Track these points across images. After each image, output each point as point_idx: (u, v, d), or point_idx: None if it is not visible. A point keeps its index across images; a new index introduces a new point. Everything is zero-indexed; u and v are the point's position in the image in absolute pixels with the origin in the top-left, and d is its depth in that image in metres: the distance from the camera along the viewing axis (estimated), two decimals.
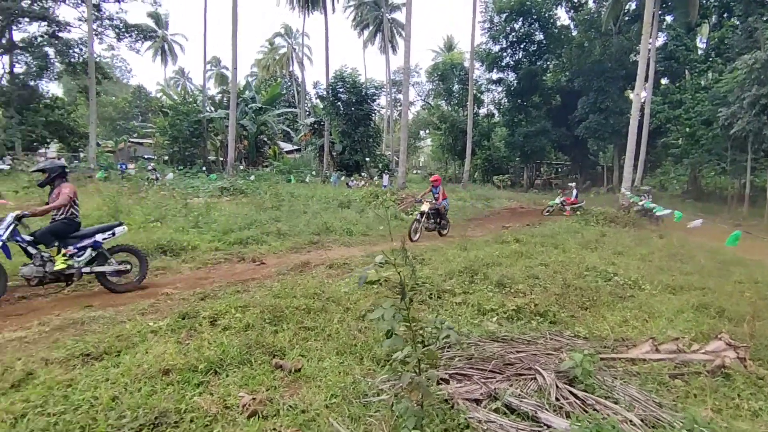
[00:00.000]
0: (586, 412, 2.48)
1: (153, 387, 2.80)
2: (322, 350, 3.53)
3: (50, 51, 25.51)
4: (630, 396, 2.73)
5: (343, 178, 28.63)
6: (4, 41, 23.62)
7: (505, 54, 33.60)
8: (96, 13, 25.56)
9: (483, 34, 32.93)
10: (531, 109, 34.03)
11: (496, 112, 39.55)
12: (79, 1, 26.05)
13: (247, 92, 35.25)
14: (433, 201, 10.16)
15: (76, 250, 5.05)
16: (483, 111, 40.00)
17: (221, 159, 33.90)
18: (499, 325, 4.33)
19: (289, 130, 40.05)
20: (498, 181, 32.65)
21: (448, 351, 3.44)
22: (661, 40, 26.51)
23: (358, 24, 44.88)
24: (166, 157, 32.32)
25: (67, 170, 5.47)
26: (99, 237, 5.24)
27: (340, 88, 29.27)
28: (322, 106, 34.45)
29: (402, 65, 30.26)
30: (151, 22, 45.20)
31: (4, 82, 25.07)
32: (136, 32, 29.34)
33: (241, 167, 27.40)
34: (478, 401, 2.62)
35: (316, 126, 36.60)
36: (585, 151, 34.62)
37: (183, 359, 3.12)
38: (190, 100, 33.31)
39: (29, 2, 24.58)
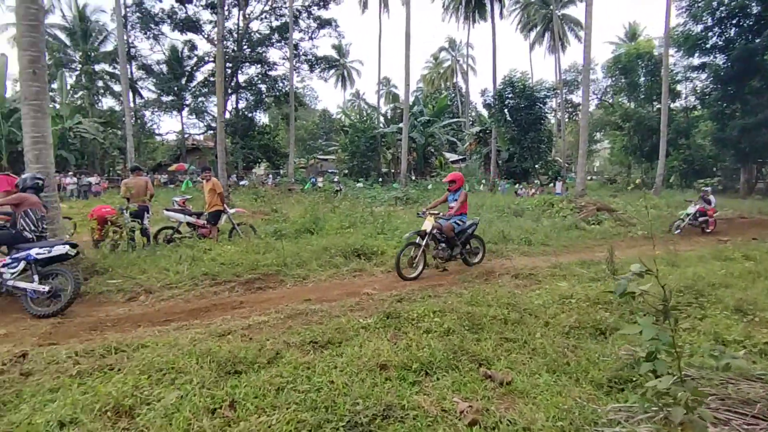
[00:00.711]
0: None
1: (374, 380, 3.00)
2: (529, 365, 3.34)
3: (263, 87, 31.08)
4: None
5: (509, 186, 27.63)
6: (233, 84, 29.72)
7: (710, 34, 27.85)
8: (295, 52, 30.22)
9: (679, 14, 28.00)
10: (749, 96, 27.29)
11: (698, 103, 32.98)
12: (283, 44, 31.20)
13: (416, 107, 37.04)
14: (442, 214, 7.04)
15: (10, 261, 4.85)
16: (679, 104, 33.86)
17: (393, 171, 36.23)
18: (751, 362, 3.46)
19: (454, 140, 40.57)
20: (703, 185, 27.00)
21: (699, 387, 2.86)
22: None
23: (525, 26, 43.09)
24: (346, 171, 36.12)
25: (40, 184, 5.46)
26: (33, 251, 4.84)
27: (509, 93, 28.39)
28: (487, 114, 33.97)
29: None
30: (334, 53, 51.48)
31: (231, 116, 31.58)
32: (323, 63, 33.69)
33: (412, 178, 28.81)
34: None
35: (481, 135, 36.24)
36: None
37: (396, 357, 3.29)
38: (365, 118, 36.59)
39: (249, 51, 30.47)
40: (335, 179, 26.67)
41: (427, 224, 6.74)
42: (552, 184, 28.10)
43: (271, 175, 31.61)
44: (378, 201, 18.89)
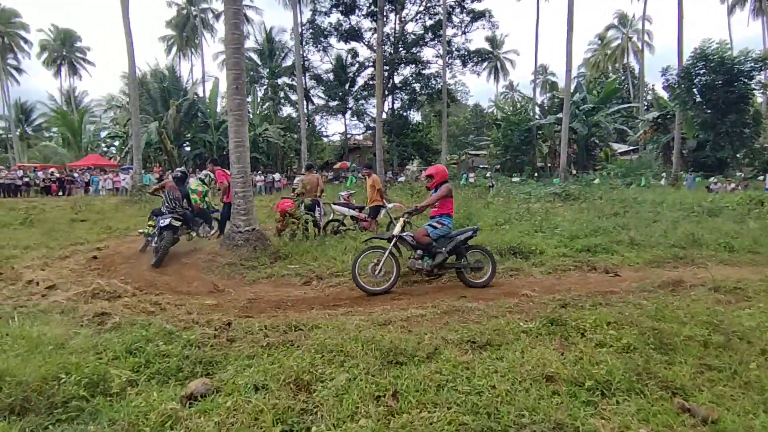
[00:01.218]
0: None
1: (539, 391, 2.76)
2: (741, 401, 2.68)
3: (417, 86, 32.03)
4: None
5: (698, 180, 23.13)
6: (389, 85, 31.34)
7: None
8: (447, 48, 30.33)
9: None
10: None
11: None
12: (436, 42, 31.61)
13: (577, 94, 33.69)
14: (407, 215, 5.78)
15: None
16: None
17: (549, 165, 33.74)
18: None
19: (624, 128, 35.72)
20: None
21: None
22: None
23: None
24: (498, 166, 34.94)
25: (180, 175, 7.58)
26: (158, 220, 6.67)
27: (700, 69, 23.71)
28: (669, 97, 29.00)
29: None
30: (487, 45, 50.13)
31: (387, 116, 33.37)
32: (476, 57, 33.04)
33: (573, 172, 26.37)
34: None
35: (659, 121, 31.24)
36: None
37: (565, 369, 2.98)
38: (519, 110, 34.77)
39: (404, 52, 31.68)
40: (488, 174, 26.01)
41: (398, 225, 5.71)
42: (763, 178, 22.55)
43: (423, 171, 32.49)
44: (533, 197, 17.74)
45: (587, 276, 6.36)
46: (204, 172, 8.16)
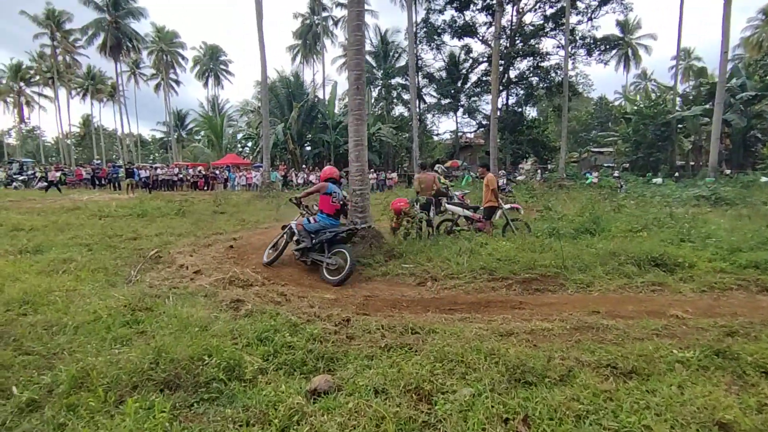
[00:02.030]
0: None
1: None
2: None
3: (534, 80, 30.16)
4: None
5: None
6: (504, 80, 30.01)
7: None
8: (570, 37, 27.97)
9: None
10: None
11: None
12: (558, 31, 29.39)
13: (734, 80, 28.56)
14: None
15: None
16: None
17: (693, 163, 29.31)
18: None
19: None
20: None
21: None
22: None
23: None
24: (626, 165, 31.31)
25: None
26: None
27: None
28: None
29: None
30: (617, 31, 45.22)
31: (501, 112, 32.03)
32: (604, 45, 29.96)
33: (725, 171, 22.45)
34: None
35: None
36: None
37: (746, 418, 2.41)
38: (654, 102, 30.62)
39: (521, 44, 30.05)
40: (615, 174, 23.41)
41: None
42: None
43: (539, 170, 30.49)
44: (674, 200, 15.44)
45: (757, 299, 5.23)
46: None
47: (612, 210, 10.57)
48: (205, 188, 26.90)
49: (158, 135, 64.25)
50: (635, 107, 33.05)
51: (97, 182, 25.39)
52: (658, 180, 20.69)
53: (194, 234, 9.19)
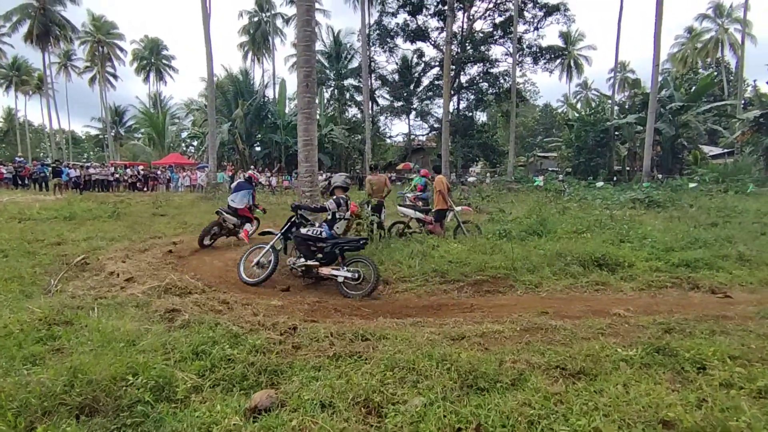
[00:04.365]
0: None
1: None
2: None
3: (484, 86, 31.04)
4: None
5: None
6: (455, 85, 30.65)
7: None
8: (518, 46, 29.06)
9: None
10: None
11: None
12: (506, 39, 30.43)
13: (663, 91, 30.83)
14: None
15: None
16: None
17: (628, 168, 31.31)
18: None
19: (719, 128, 32.23)
20: None
21: None
22: None
23: None
24: (569, 169, 32.91)
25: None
26: None
27: None
28: None
29: None
30: (560, 42, 47.55)
31: (452, 116, 32.67)
32: (549, 54, 31.38)
33: (657, 176, 24.11)
34: None
35: (762, 120, 27.89)
36: None
37: (687, 416, 2.45)
38: (597, 109, 32.47)
39: (472, 51, 30.82)
40: (560, 178, 24.50)
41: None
42: None
43: (489, 173, 31.38)
44: (611, 203, 16.34)
45: (689, 296, 5.54)
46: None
47: (557, 212, 10.95)
48: (145, 189, 25.35)
49: (93, 132, 60.01)
50: (577, 115, 34.84)
51: (20, 182, 23.18)
52: (600, 183, 21.85)
53: (129, 238, 8.53)
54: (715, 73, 41.94)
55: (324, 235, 5.72)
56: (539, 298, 5.27)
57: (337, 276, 5.46)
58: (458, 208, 8.74)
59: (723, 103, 33.71)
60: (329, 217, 5.88)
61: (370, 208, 7.61)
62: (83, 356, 2.81)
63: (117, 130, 53.06)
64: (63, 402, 2.36)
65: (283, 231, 6.08)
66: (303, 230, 5.83)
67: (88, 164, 26.61)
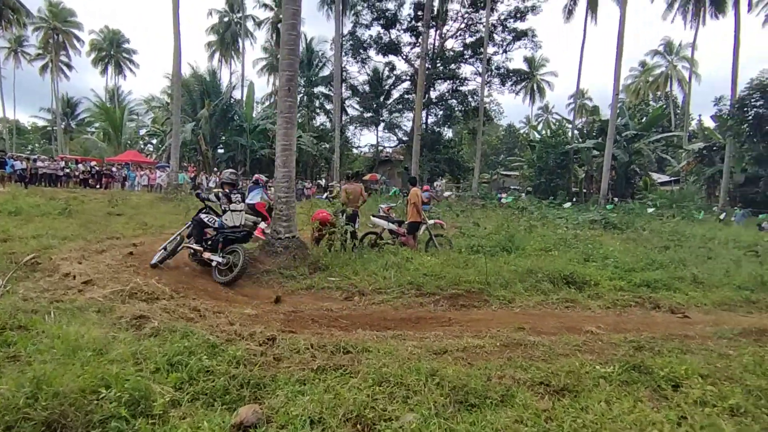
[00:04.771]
0: None
1: None
2: None
3: (453, 102, 31.76)
4: None
5: (746, 217, 21.93)
6: (425, 99, 31.16)
7: None
8: (487, 66, 30.00)
9: None
10: None
11: None
12: (476, 59, 31.36)
13: (619, 119, 32.71)
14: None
15: None
16: None
17: (585, 191, 32.79)
18: None
19: (668, 157, 34.47)
20: None
21: None
22: None
23: None
24: (530, 188, 34.08)
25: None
26: None
27: (756, 101, 22.60)
28: (717, 128, 27.98)
29: None
30: (525, 66, 49.55)
31: (421, 130, 33.15)
32: (516, 76, 32.59)
33: (615, 200, 25.39)
34: None
35: (705, 152, 30.11)
36: None
37: None
38: (558, 132, 33.94)
39: (442, 67, 31.49)
40: (523, 196, 25.31)
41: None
42: None
43: (453, 188, 31.96)
44: (570, 223, 17.02)
45: (652, 315, 5.80)
46: None
47: (524, 230, 11.24)
48: (98, 186, 23.97)
49: (40, 123, 56.33)
50: (539, 136, 36.25)
51: None
52: (568, 204, 22.68)
53: (84, 238, 7.98)
54: (665, 106, 45.01)
55: (216, 225, 6.22)
56: (513, 314, 5.34)
57: (212, 261, 5.93)
58: (431, 222, 8.80)
59: (671, 134, 36.19)
60: (223, 209, 6.33)
61: (344, 217, 7.50)
62: (46, 365, 2.56)
63: (68, 123, 50.11)
64: (27, 416, 2.13)
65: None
66: (203, 215, 6.31)
67: (35, 156, 24.89)
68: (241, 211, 6.40)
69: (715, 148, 29.55)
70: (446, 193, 27.19)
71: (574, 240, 9.76)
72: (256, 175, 9.33)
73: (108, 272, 5.61)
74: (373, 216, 8.80)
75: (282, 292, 5.58)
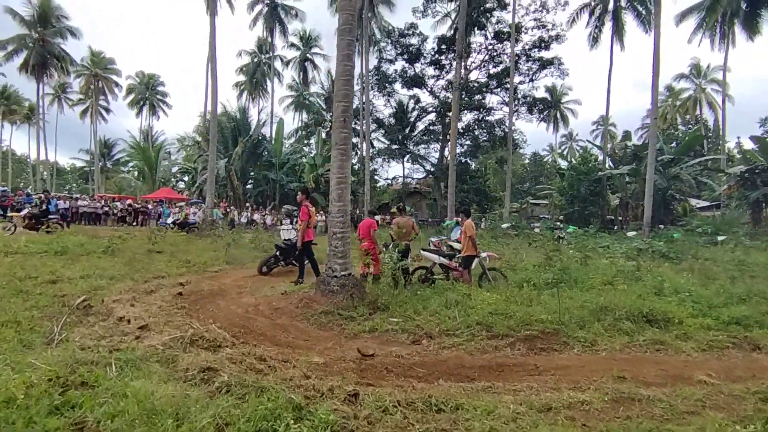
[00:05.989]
0: None
1: None
2: None
3: (479, 133, 31.63)
4: None
5: None
6: (449, 131, 31.15)
7: None
8: (514, 95, 29.91)
9: None
10: None
11: None
12: (501, 89, 31.38)
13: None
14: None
15: None
16: None
17: (620, 218, 31.68)
18: None
19: (710, 182, 33.16)
20: None
21: None
22: None
23: None
24: (561, 217, 33.13)
25: None
26: None
27: None
28: (756, 149, 26.93)
29: None
30: (547, 96, 49.45)
31: (447, 161, 32.96)
32: (542, 105, 32.38)
33: (662, 227, 24.32)
34: None
35: (747, 175, 28.86)
36: None
37: None
38: (589, 159, 33.21)
39: (467, 98, 31.55)
40: (559, 225, 24.51)
41: None
42: None
43: (483, 219, 31.30)
44: (613, 252, 16.15)
45: (757, 358, 5.13)
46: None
47: (578, 261, 10.61)
48: (135, 224, 24.41)
49: (79, 164, 58.88)
50: (569, 163, 35.55)
51: (1, 212, 22.06)
52: (605, 235, 21.83)
53: (131, 277, 7.84)
54: (700, 130, 43.86)
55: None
56: (603, 359, 4.78)
57: None
58: (484, 254, 8.33)
59: (710, 157, 34.96)
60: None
61: (397, 252, 7.08)
62: None
63: (104, 163, 52.17)
64: None
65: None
66: None
67: (77, 196, 25.66)
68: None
69: (757, 170, 28.27)
70: (483, 225, 26.64)
71: (636, 271, 9.08)
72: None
73: (161, 315, 5.35)
74: (423, 250, 8.39)
75: (344, 336, 5.18)
